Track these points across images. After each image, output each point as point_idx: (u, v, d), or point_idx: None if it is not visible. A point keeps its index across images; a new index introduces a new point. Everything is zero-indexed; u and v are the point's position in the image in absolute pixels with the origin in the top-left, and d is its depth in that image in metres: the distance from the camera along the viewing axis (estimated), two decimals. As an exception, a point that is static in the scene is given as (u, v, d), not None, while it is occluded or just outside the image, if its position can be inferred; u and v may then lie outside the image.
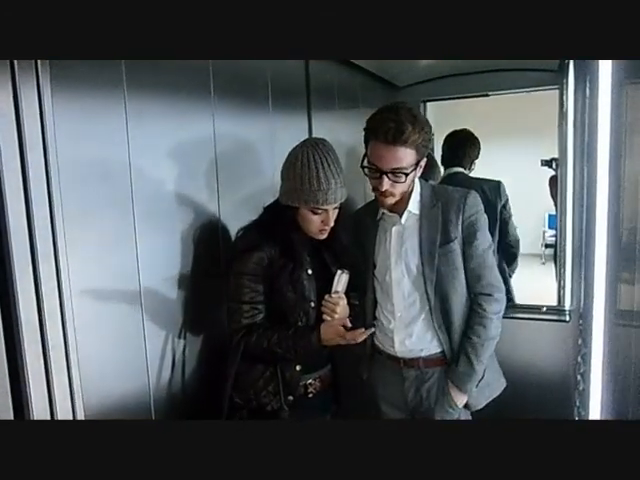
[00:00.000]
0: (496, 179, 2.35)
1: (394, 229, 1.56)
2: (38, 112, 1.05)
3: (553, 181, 2.51)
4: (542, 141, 2.66)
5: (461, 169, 2.40)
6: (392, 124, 1.36)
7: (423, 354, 1.55)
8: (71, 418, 1.14)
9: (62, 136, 1.10)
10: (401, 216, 1.53)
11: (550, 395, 1.90)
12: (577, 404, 1.60)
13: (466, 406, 1.55)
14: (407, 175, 1.41)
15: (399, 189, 1.45)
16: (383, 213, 1.58)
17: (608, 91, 1.26)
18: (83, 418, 1.14)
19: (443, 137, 2.56)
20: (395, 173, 1.41)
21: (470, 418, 1.60)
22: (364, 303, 1.66)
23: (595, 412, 1.33)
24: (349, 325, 1.39)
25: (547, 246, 2.92)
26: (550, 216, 2.89)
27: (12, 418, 1.03)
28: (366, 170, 1.46)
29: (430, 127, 1.42)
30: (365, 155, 1.47)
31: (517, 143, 3.04)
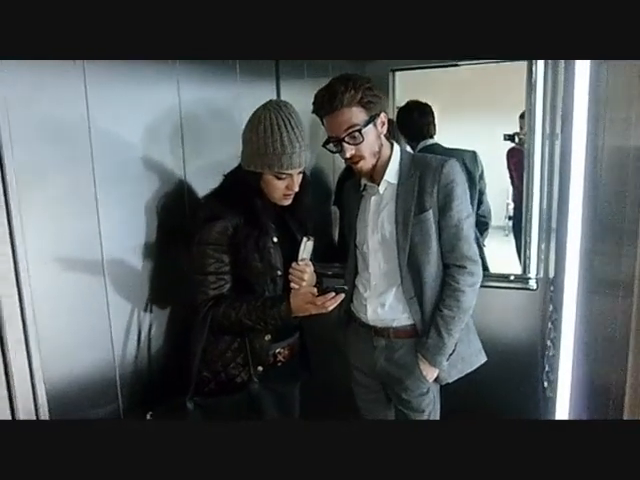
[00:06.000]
0: (470, 149, 2.34)
1: (373, 199, 1.55)
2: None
3: (511, 153, 2.53)
4: (506, 114, 2.65)
5: (435, 140, 2.38)
6: (323, 92, 1.41)
7: (394, 324, 1.55)
8: (31, 396, 1.08)
9: (12, 93, 1.03)
10: (379, 186, 1.52)
11: (517, 360, 1.96)
12: (546, 369, 1.64)
13: (436, 379, 1.55)
14: (362, 132, 1.40)
15: (365, 150, 1.44)
16: (365, 184, 1.57)
17: (587, 64, 1.25)
18: (44, 392, 1.09)
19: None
20: (350, 135, 1.40)
21: (438, 391, 1.61)
22: (346, 270, 1.67)
23: (565, 376, 1.36)
24: (316, 293, 1.36)
25: (510, 218, 2.94)
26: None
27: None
28: (329, 147, 1.47)
29: (374, 84, 1.43)
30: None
31: (481, 116, 3.02)
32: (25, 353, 1.07)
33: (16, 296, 1.06)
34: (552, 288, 1.77)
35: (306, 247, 1.46)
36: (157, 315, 1.55)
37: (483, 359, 1.61)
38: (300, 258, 1.46)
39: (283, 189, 1.44)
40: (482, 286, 1.53)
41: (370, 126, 1.42)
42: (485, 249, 2.31)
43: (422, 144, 2.39)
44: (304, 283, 1.44)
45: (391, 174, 1.51)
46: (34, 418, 1.09)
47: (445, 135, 2.50)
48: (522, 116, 2.21)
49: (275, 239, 1.49)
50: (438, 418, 1.61)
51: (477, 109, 2.96)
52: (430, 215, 1.47)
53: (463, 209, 1.48)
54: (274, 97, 2.09)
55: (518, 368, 1.96)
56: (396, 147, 1.53)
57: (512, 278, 2.01)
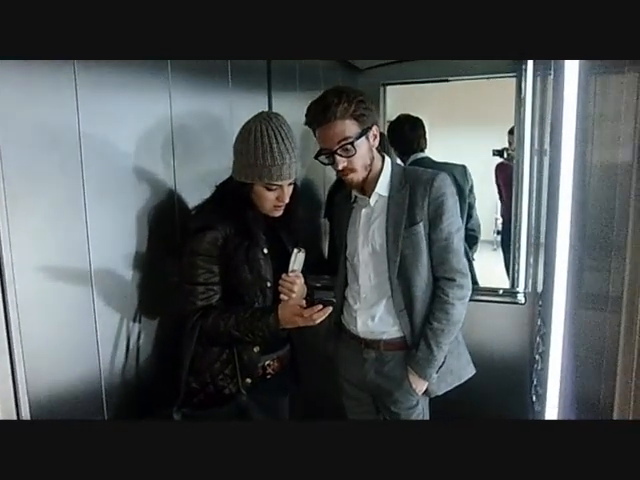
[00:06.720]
0: (460, 163, 2.37)
1: (363, 211, 1.56)
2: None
3: (500, 169, 2.57)
4: (495, 129, 2.69)
5: (425, 154, 2.41)
6: (316, 104, 1.41)
7: (385, 337, 1.55)
8: (14, 407, 1.06)
9: (1, 100, 1.03)
10: (370, 198, 1.53)
11: (506, 373, 1.96)
12: (535, 383, 1.64)
13: (425, 392, 1.54)
14: (354, 145, 1.41)
15: (356, 163, 1.45)
16: (356, 196, 1.57)
17: (575, 80, 1.27)
18: (27, 404, 1.06)
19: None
20: (343, 147, 1.41)
21: (427, 404, 1.60)
22: (336, 283, 1.67)
23: (553, 391, 1.37)
24: (304, 305, 1.36)
25: (499, 233, 2.98)
26: (503, 203, 2.92)
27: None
28: (321, 159, 1.48)
29: (366, 97, 1.43)
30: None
31: (470, 131, 3.07)
32: (8, 363, 1.05)
33: (1, 305, 1.04)
34: (540, 302, 1.78)
35: (297, 259, 1.46)
36: (145, 325, 1.53)
37: (472, 372, 1.61)
38: (290, 270, 1.45)
39: (273, 200, 1.43)
40: (471, 300, 1.53)
41: (362, 139, 1.43)
42: (474, 263, 2.32)
43: (412, 157, 2.42)
44: (294, 295, 1.43)
45: (382, 187, 1.51)
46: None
47: (435, 149, 2.53)
48: (511, 132, 2.24)
49: (265, 250, 1.49)
50: (427, 431, 1.60)
51: (467, 124, 2.99)
52: (420, 228, 1.47)
53: (453, 223, 1.48)
54: (266, 109, 2.10)
55: (507, 382, 1.96)
56: (387, 160, 1.54)
57: (501, 292, 2.02)
